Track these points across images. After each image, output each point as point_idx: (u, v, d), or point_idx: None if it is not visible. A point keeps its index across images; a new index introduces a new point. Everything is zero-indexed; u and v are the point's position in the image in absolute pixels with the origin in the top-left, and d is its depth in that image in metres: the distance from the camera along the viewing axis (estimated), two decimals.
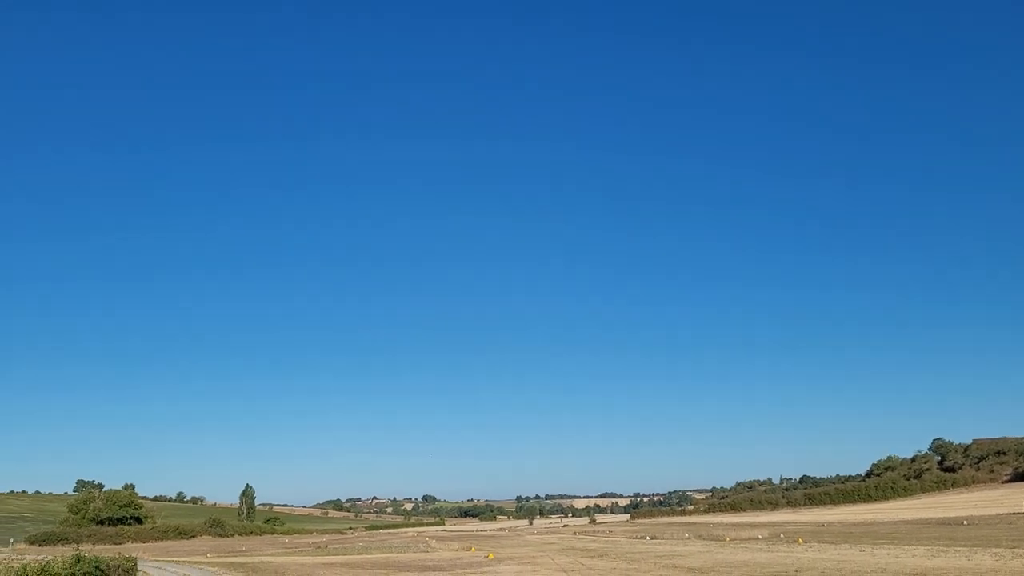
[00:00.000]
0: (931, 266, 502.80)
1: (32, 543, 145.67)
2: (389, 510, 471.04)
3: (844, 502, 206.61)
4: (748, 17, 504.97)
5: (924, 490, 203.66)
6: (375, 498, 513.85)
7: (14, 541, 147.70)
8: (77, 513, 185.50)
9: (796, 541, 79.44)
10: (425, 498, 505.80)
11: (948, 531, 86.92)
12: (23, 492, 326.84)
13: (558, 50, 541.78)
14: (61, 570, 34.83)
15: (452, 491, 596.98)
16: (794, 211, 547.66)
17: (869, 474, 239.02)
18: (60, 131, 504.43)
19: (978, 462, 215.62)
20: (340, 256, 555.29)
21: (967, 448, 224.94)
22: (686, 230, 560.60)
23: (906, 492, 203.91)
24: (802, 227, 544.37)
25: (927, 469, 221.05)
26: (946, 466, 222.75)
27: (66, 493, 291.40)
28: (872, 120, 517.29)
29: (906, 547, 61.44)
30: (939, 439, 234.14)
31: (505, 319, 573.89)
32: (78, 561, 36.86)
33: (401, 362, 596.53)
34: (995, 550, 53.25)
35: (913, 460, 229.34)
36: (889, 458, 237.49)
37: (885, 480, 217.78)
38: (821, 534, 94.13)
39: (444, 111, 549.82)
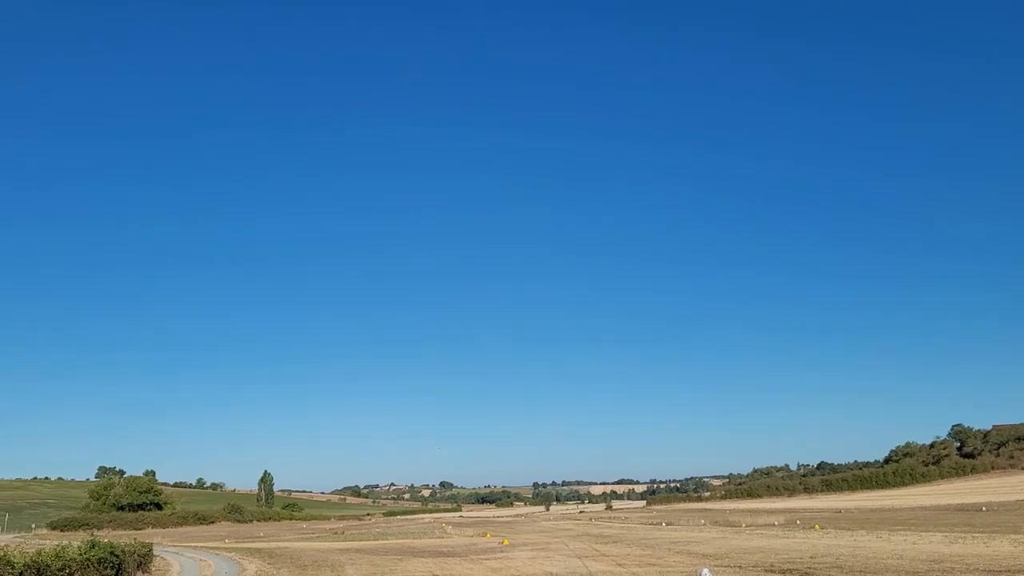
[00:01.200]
0: (949, 253, 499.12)
1: (53, 528, 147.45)
2: (407, 496, 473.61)
3: (862, 488, 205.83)
4: (753, 7, 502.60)
5: (943, 476, 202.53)
6: (393, 484, 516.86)
7: (35, 526, 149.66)
8: (98, 499, 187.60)
9: (812, 527, 79.10)
10: (442, 484, 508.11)
11: (966, 517, 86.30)
12: (46, 478, 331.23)
13: (565, 42, 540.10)
14: (76, 555, 34.98)
15: (469, 477, 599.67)
16: (812, 199, 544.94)
17: (887, 460, 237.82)
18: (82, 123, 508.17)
19: (998, 448, 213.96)
20: (358, 244, 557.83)
21: (987, 434, 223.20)
22: (702, 217, 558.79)
23: (924, 478, 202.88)
24: (819, 215, 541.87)
25: (946, 455, 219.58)
26: (965, 452, 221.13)
27: (88, 479, 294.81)
28: (896, 106, 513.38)
29: (923, 533, 60.99)
30: (958, 425, 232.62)
31: (522, 307, 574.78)
32: (93, 547, 37.05)
33: (419, 350, 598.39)
34: (1014, 536, 52.75)
35: (932, 446, 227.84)
36: (907, 444, 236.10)
37: (903, 466, 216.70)
38: (838, 520, 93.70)
39: (448, 102, 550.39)
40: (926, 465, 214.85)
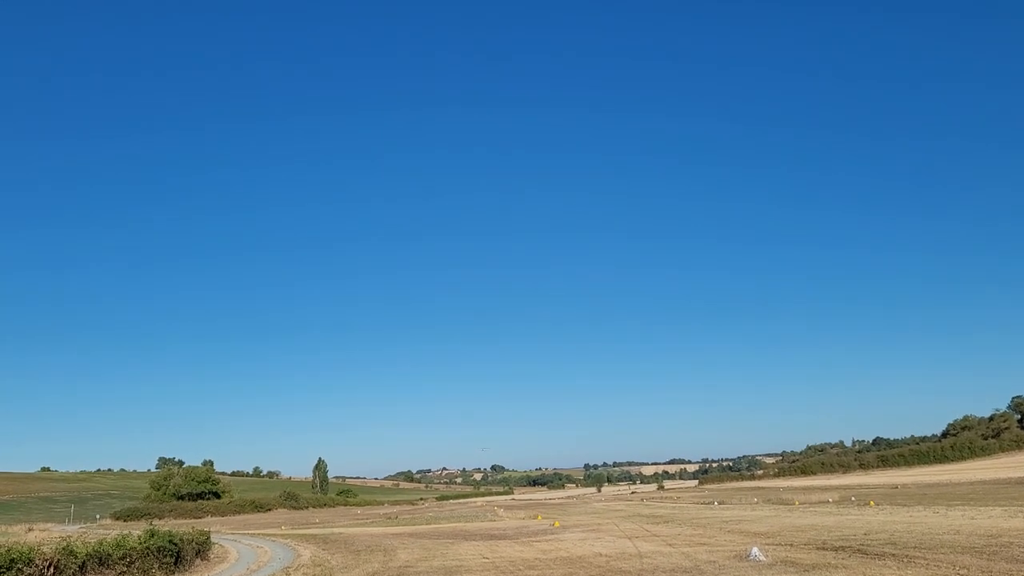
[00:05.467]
0: (1005, 220, 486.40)
1: (117, 518, 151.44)
2: (459, 480, 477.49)
3: (919, 463, 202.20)
4: None
5: (1003, 449, 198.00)
6: (445, 469, 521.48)
7: (100, 517, 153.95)
8: (159, 489, 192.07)
9: (867, 504, 78.02)
10: (494, 468, 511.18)
11: None
12: (109, 470, 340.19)
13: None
14: (136, 544, 36.03)
15: (521, 460, 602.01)
16: (857, 172, 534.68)
17: (945, 434, 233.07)
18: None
19: None
20: (402, 230, 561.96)
21: None
22: (750, 194, 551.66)
23: (984, 452, 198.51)
24: (868, 185, 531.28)
25: (1006, 428, 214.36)
26: None
27: (149, 470, 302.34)
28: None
29: (982, 508, 59.73)
30: (1019, 397, 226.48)
31: (570, 288, 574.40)
32: (152, 535, 38.12)
33: (469, 334, 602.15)
34: None
35: (991, 419, 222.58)
36: (966, 417, 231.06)
37: (962, 440, 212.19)
38: (894, 496, 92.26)
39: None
40: (985, 439, 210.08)
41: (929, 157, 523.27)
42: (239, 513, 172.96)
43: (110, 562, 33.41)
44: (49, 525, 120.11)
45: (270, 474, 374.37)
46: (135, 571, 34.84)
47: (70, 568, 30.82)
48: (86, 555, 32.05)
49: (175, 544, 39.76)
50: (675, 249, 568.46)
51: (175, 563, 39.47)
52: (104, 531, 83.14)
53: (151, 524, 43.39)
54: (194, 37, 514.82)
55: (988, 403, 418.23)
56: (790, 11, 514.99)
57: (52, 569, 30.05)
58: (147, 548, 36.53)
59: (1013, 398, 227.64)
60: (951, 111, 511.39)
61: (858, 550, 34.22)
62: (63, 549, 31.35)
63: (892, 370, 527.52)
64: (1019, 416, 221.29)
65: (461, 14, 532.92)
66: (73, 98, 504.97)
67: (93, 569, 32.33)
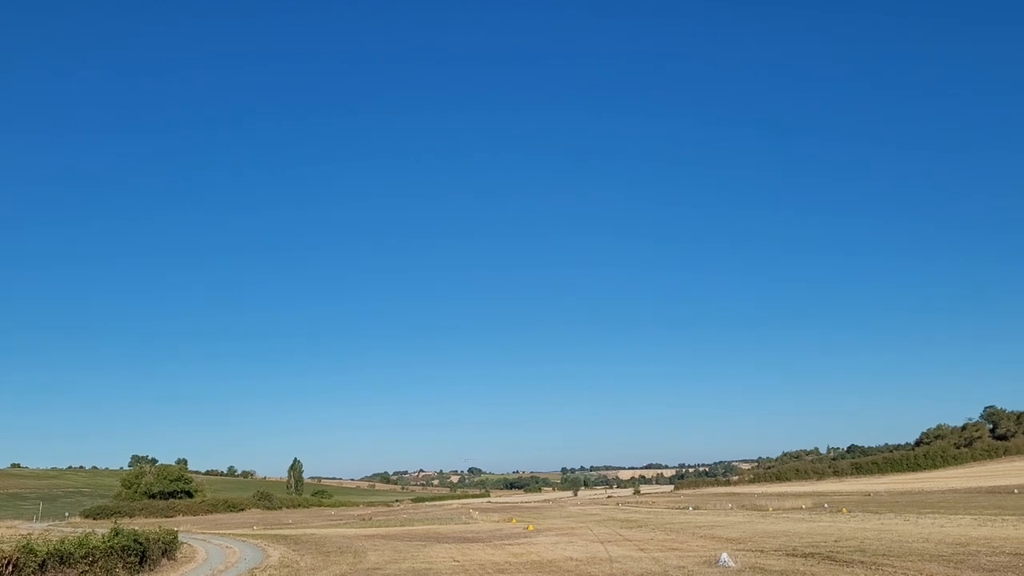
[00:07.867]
0: (980, 229, 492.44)
1: (86, 516, 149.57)
2: (435, 482, 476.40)
3: (892, 471, 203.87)
4: None
5: (975, 458, 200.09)
6: (422, 471, 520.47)
7: (69, 515, 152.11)
8: (130, 487, 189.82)
9: (840, 511, 78.42)
10: (471, 470, 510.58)
11: (997, 500, 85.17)
12: (81, 468, 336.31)
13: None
14: (99, 543, 35.33)
15: (498, 463, 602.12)
16: (834, 177, 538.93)
17: (918, 443, 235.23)
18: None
19: None
20: (383, 230, 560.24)
21: (1020, 416, 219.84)
22: (734, 199, 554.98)
23: (956, 461, 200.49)
24: (844, 193, 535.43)
25: (978, 437, 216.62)
26: (998, 434, 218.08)
27: (122, 468, 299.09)
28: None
29: (952, 516, 60.17)
30: (991, 407, 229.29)
31: (549, 292, 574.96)
32: (116, 534, 37.42)
33: (446, 336, 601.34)
34: None
35: (964, 428, 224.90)
36: (939, 426, 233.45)
37: (934, 449, 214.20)
38: (866, 504, 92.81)
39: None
40: (958, 447, 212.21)
41: (915, 162, 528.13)
42: (211, 512, 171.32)
43: (71, 561, 32.73)
44: (16, 522, 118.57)
45: (244, 474, 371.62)
46: (98, 570, 34.15)
47: (30, 566, 30.18)
48: (46, 553, 31.41)
49: (140, 544, 39.07)
50: (657, 253, 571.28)
51: (140, 563, 38.79)
52: (72, 529, 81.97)
53: (116, 523, 42.62)
54: (196, 39, 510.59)
55: (961, 413, 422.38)
56: (793, 13, 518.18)
57: (11, 567, 29.43)
58: (111, 547, 35.84)
59: (985, 408, 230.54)
60: (940, 115, 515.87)
61: (827, 557, 34.25)
62: (23, 547, 30.70)
63: (867, 379, 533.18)
64: (991, 426, 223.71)
65: (457, 15, 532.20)
66: (71, 98, 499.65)
67: (54, 568, 31.69)
